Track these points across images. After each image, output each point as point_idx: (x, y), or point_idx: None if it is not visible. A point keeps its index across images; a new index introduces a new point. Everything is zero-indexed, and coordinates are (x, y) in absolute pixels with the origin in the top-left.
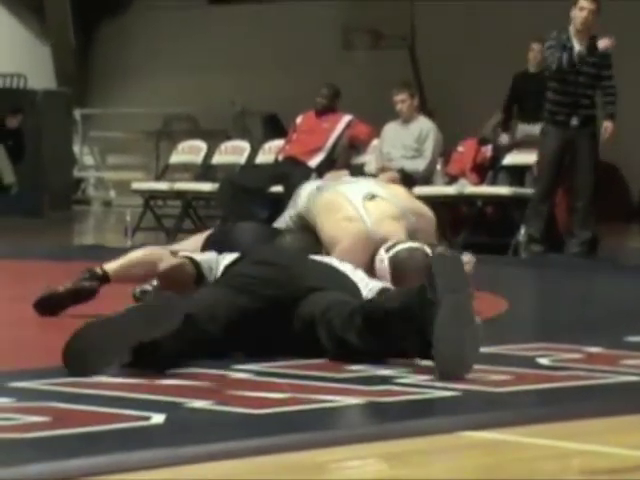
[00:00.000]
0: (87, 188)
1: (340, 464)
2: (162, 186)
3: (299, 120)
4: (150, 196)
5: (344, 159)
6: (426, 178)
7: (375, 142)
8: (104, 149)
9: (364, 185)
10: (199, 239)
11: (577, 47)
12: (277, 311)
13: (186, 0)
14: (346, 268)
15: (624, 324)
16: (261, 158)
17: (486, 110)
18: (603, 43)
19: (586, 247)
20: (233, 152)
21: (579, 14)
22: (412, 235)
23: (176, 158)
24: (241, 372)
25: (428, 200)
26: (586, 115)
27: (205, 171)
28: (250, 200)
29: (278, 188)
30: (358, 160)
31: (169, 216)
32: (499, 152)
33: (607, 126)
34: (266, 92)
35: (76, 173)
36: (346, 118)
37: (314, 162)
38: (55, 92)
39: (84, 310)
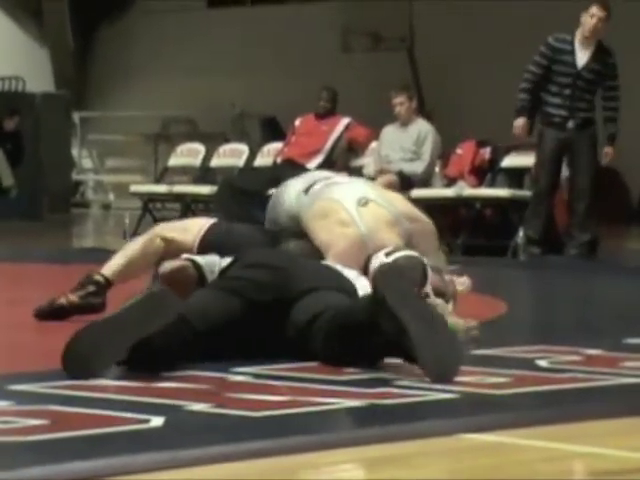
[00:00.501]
0: (86, 191)
1: (339, 467)
2: (161, 189)
3: (298, 123)
4: (149, 199)
5: (343, 161)
6: (424, 180)
7: (374, 144)
8: (103, 152)
9: (357, 189)
10: (194, 229)
11: (579, 53)
12: (270, 314)
13: (185, 3)
14: (339, 267)
15: (624, 326)
16: (260, 161)
17: (484, 112)
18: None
19: (585, 249)
20: (232, 155)
21: (589, 21)
22: (407, 241)
23: (175, 161)
24: (240, 375)
25: (427, 202)
26: (583, 118)
27: (204, 174)
28: (249, 203)
29: None
30: (357, 163)
31: (168, 219)
32: (497, 154)
33: (607, 152)
34: (265, 95)
35: (75, 176)
36: (345, 121)
37: (313, 164)
38: (53, 95)
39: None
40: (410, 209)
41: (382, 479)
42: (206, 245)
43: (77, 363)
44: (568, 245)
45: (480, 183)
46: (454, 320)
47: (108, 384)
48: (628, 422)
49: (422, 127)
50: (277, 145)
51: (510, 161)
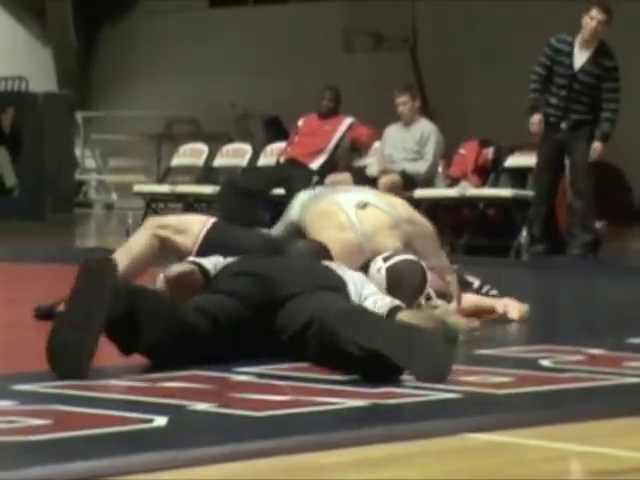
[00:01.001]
0: (89, 191)
1: (342, 466)
2: (164, 189)
3: (301, 122)
4: (152, 199)
5: (346, 161)
6: (428, 180)
7: (377, 144)
8: (106, 152)
9: (358, 194)
10: (194, 228)
11: (578, 55)
12: (262, 318)
13: (187, 3)
14: (328, 264)
15: (626, 326)
16: (263, 161)
17: (487, 112)
18: None
19: (588, 249)
20: (235, 155)
21: (589, 23)
22: (407, 244)
23: (178, 161)
24: (243, 375)
25: (430, 202)
26: (576, 119)
27: (207, 174)
28: (252, 203)
29: (280, 190)
30: (360, 163)
31: None
32: (501, 154)
33: (595, 147)
34: (268, 95)
35: (78, 176)
36: (348, 120)
37: (316, 164)
38: (56, 95)
39: None
40: (410, 212)
41: (385, 479)
42: (208, 246)
43: (62, 365)
44: (570, 245)
45: (483, 183)
46: (456, 320)
47: (111, 384)
48: (630, 422)
49: (425, 127)
50: (280, 145)
51: (513, 161)
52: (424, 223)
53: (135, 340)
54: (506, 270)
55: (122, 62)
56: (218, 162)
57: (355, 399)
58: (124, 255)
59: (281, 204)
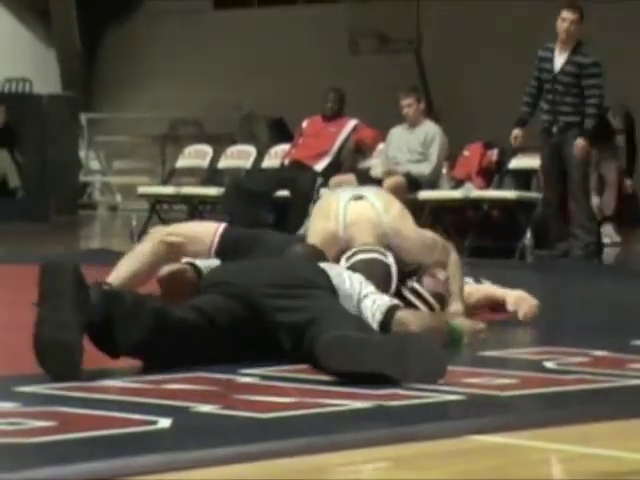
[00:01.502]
0: (93, 192)
1: (347, 468)
2: (168, 190)
3: (305, 124)
4: (156, 200)
5: (350, 163)
6: (432, 182)
7: (381, 146)
8: (110, 153)
9: (362, 190)
10: (206, 236)
11: (558, 57)
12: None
13: (192, 4)
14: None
15: (631, 328)
16: (267, 162)
17: (492, 114)
18: None
19: (590, 250)
20: (239, 156)
21: (561, 25)
22: (385, 247)
23: (182, 162)
24: (247, 376)
25: (434, 204)
26: (566, 122)
27: (211, 175)
28: (256, 204)
29: (284, 192)
30: (364, 164)
31: (175, 220)
32: (505, 156)
33: (577, 143)
34: (272, 96)
35: (82, 178)
36: (352, 122)
37: (320, 166)
38: (61, 96)
39: None
40: (402, 226)
41: None
42: (223, 252)
43: (53, 365)
44: (573, 247)
45: (487, 185)
46: (460, 322)
47: (115, 385)
48: (634, 424)
49: (429, 129)
50: (285, 147)
51: (517, 163)
52: (413, 238)
53: (117, 343)
54: (510, 272)
55: (126, 64)
56: (222, 164)
57: (359, 401)
58: (130, 261)
59: (285, 206)
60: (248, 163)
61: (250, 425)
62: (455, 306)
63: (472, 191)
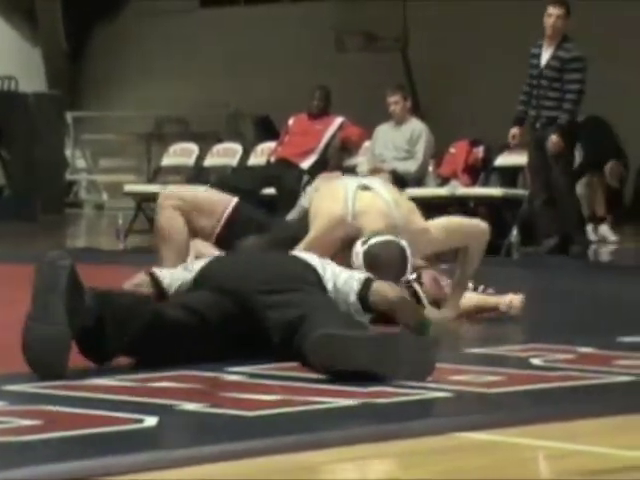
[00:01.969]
0: (79, 191)
1: (334, 466)
2: (154, 189)
3: (291, 122)
4: (142, 199)
5: (336, 161)
6: (418, 179)
7: (367, 144)
8: (96, 152)
9: (371, 180)
10: (218, 207)
11: (544, 53)
12: (250, 315)
13: (178, 3)
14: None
15: (617, 324)
16: (253, 160)
17: (478, 111)
18: None
19: (584, 248)
20: (225, 154)
21: (547, 20)
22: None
23: (168, 161)
24: (234, 374)
25: (420, 202)
26: (548, 116)
27: (197, 173)
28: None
29: (270, 190)
30: (350, 162)
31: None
32: (491, 153)
33: (551, 139)
34: (258, 94)
35: (68, 176)
36: (338, 120)
37: (306, 164)
38: (46, 95)
39: None
40: (412, 221)
41: (376, 478)
42: (231, 228)
43: (40, 362)
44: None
45: (473, 182)
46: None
47: (102, 384)
48: (621, 420)
49: (416, 126)
50: (271, 144)
51: (503, 160)
52: (420, 235)
53: (109, 344)
54: (497, 269)
55: (112, 62)
56: (208, 162)
57: (346, 398)
58: (168, 248)
59: (272, 204)
60: (234, 161)
61: (236, 423)
62: (448, 312)
63: (458, 188)
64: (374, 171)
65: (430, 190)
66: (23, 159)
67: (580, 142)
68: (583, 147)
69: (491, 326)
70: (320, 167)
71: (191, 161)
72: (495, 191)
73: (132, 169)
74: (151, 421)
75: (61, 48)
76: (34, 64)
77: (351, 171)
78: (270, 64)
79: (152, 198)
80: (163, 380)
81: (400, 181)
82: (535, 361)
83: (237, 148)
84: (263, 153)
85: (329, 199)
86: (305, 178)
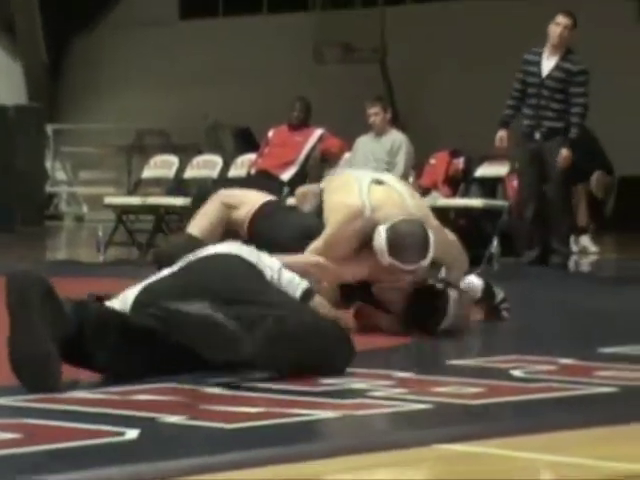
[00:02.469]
0: (59, 203)
1: (314, 478)
2: (134, 201)
3: (271, 134)
4: (122, 211)
5: (316, 172)
6: None
7: (347, 155)
8: (76, 164)
9: (384, 175)
10: (252, 200)
11: (546, 62)
12: None
13: (157, 15)
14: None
15: (597, 336)
16: (233, 172)
17: (458, 122)
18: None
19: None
20: (205, 166)
21: (554, 29)
22: None
23: (148, 173)
24: (214, 386)
25: None
26: (549, 127)
27: (177, 185)
28: None
29: None
30: (330, 173)
31: (142, 231)
32: (471, 164)
33: (562, 152)
34: (238, 106)
35: (48, 188)
36: (318, 132)
37: (286, 175)
38: (26, 107)
39: None
40: (425, 215)
41: None
42: (256, 221)
43: (32, 377)
44: (549, 256)
45: (454, 193)
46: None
47: (82, 397)
48: (602, 431)
49: (396, 137)
50: (251, 156)
51: (483, 171)
52: (438, 230)
53: (93, 353)
54: None
55: (92, 75)
56: (189, 174)
57: (326, 410)
58: (200, 219)
59: None
60: (214, 173)
61: (217, 435)
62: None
63: (438, 199)
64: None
65: None
66: (3, 172)
67: None
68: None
69: (472, 337)
70: (300, 179)
71: (171, 173)
72: (475, 202)
73: (112, 181)
74: (132, 434)
75: (41, 61)
76: (14, 77)
77: None
78: (249, 76)
79: (132, 210)
80: (144, 393)
81: None
82: (516, 372)
83: (217, 160)
84: (243, 165)
85: (343, 193)
86: (285, 190)
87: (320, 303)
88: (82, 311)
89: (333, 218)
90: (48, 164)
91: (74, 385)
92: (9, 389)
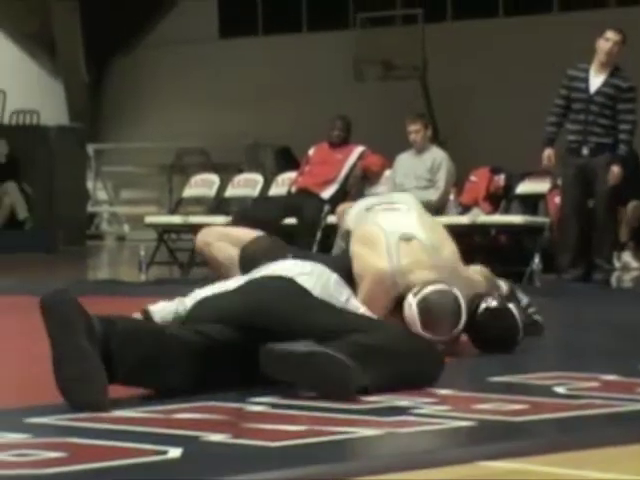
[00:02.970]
0: (101, 223)
1: None
2: (176, 220)
3: (311, 152)
4: (164, 230)
5: (357, 190)
6: (439, 208)
7: (388, 173)
8: (117, 184)
9: (407, 222)
10: (243, 238)
11: (594, 78)
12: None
13: (197, 34)
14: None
15: (639, 351)
16: (274, 190)
17: (498, 139)
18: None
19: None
20: (246, 185)
21: (604, 45)
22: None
23: (189, 192)
24: (258, 405)
25: None
26: (597, 143)
27: (218, 204)
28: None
29: (291, 220)
30: (371, 191)
31: (183, 250)
32: (512, 181)
33: (612, 170)
34: (278, 125)
35: (90, 208)
36: (358, 149)
37: (327, 194)
38: (68, 128)
39: None
40: (454, 260)
41: None
42: (244, 257)
43: (84, 404)
44: (595, 273)
45: (495, 210)
46: None
47: (125, 416)
48: None
49: (436, 155)
50: (291, 174)
51: (524, 187)
52: (465, 280)
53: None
54: None
55: (132, 94)
56: (229, 192)
57: (369, 428)
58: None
59: (292, 234)
60: (255, 191)
61: (260, 454)
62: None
63: (479, 216)
64: None
65: (451, 218)
66: (45, 192)
67: None
68: None
69: (513, 354)
70: (341, 197)
71: (212, 192)
72: (516, 219)
73: (153, 200)
74: (175, 452)
75: (82, 81)
76: (56, 97)
77: None
78: (290, 94)
79: (174, 229)
80: (186, 411)
81: None
82: (559, 389)
83: (258, 178)
84: (284, 183)
85: (370, 251)
86: (326, 208)
87: None
88: (108, 325)
89: (364, 286)
90: (89, 184)
91: (117, 403)
92: (53, 408)
